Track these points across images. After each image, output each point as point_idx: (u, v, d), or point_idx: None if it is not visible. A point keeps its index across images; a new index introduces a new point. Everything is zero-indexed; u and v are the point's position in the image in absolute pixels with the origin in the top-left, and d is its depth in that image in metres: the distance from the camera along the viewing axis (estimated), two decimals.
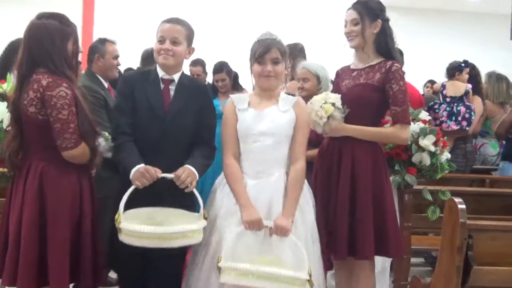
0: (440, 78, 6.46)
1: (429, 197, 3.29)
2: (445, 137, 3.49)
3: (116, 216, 2.40)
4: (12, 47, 4.83)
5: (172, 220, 2.46)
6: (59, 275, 2.41)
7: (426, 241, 4.10)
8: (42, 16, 2.54)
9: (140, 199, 2.48)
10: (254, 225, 2.47)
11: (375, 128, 2.82)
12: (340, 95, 2.80)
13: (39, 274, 2.42)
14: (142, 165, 2.49)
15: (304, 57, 4.29)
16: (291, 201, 2.56)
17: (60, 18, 2.56)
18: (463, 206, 2.59)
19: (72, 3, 11.06)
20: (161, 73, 2.68)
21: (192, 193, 2.52)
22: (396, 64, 2.77)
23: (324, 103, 2.74)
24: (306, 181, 2.70)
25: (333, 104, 2.74)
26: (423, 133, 3.22)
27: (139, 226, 2.36)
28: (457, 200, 2.64)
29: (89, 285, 2.54)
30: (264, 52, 2.60)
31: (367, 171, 2.76)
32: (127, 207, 2.44)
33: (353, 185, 2.76)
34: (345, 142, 2.79)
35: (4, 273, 2.45)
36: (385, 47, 2.84)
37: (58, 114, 2.42)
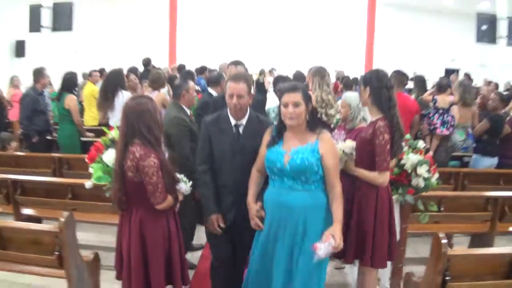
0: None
1: (422, 207, 4.35)
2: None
3: None
4: (113, 76, 6.17)
5: None
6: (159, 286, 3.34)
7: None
8: (135, 97, 3.30)
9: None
10: None
11: (364, 171, 3.61)
12: (354, 144, 3.69)
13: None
14: None
15: (328, 75, 5.12)
16: None
17: (149, 98, 3.32)
18: (445, 241, 3.34)
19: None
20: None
21: None
22: (379, 122, 3.50)
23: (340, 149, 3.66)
24: None
25: (343, 151, 3.64)
26: (420, 163, 4.13)
27: None
28: (441, 235, 3.35)
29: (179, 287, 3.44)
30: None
31: (357, 195, 3.64)
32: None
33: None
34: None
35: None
36: (380, 106, 3.57)
37: (150, 180, 3.13)
